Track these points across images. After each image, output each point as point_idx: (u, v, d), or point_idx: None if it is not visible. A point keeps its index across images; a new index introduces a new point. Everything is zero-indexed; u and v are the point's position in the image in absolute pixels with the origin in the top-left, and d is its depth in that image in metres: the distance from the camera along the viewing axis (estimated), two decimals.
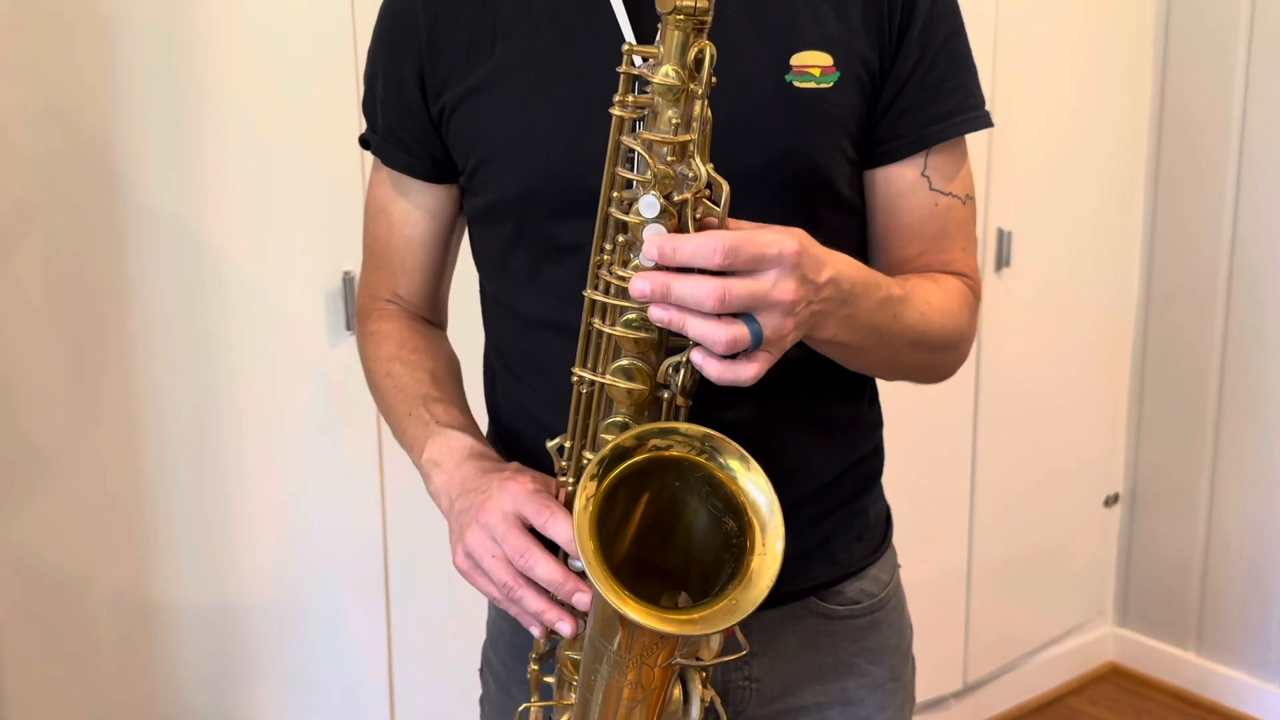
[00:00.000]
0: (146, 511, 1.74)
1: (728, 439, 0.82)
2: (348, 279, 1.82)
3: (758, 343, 0.81)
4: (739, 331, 0.80)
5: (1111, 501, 2.95)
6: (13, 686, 1.66)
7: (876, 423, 1.13)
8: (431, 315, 1.18)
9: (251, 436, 1.80)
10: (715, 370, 0.81)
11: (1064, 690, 2.91)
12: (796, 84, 0.95)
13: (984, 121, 1.04)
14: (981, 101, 1.04)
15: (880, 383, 1.12)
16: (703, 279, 0.79)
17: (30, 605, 1.66)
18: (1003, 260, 2.55)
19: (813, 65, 0.96)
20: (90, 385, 1.67)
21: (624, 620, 0.79)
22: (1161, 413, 2.88)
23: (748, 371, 0.81)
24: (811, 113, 0.96)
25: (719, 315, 0.80)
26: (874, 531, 1.11)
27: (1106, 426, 2.92)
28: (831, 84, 0.96)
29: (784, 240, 0.81)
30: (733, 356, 0.82)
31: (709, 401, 0.90)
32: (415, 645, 1.99)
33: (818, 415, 1.04)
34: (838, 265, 0.86)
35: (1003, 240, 2.55)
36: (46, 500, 1.66)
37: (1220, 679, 2.83)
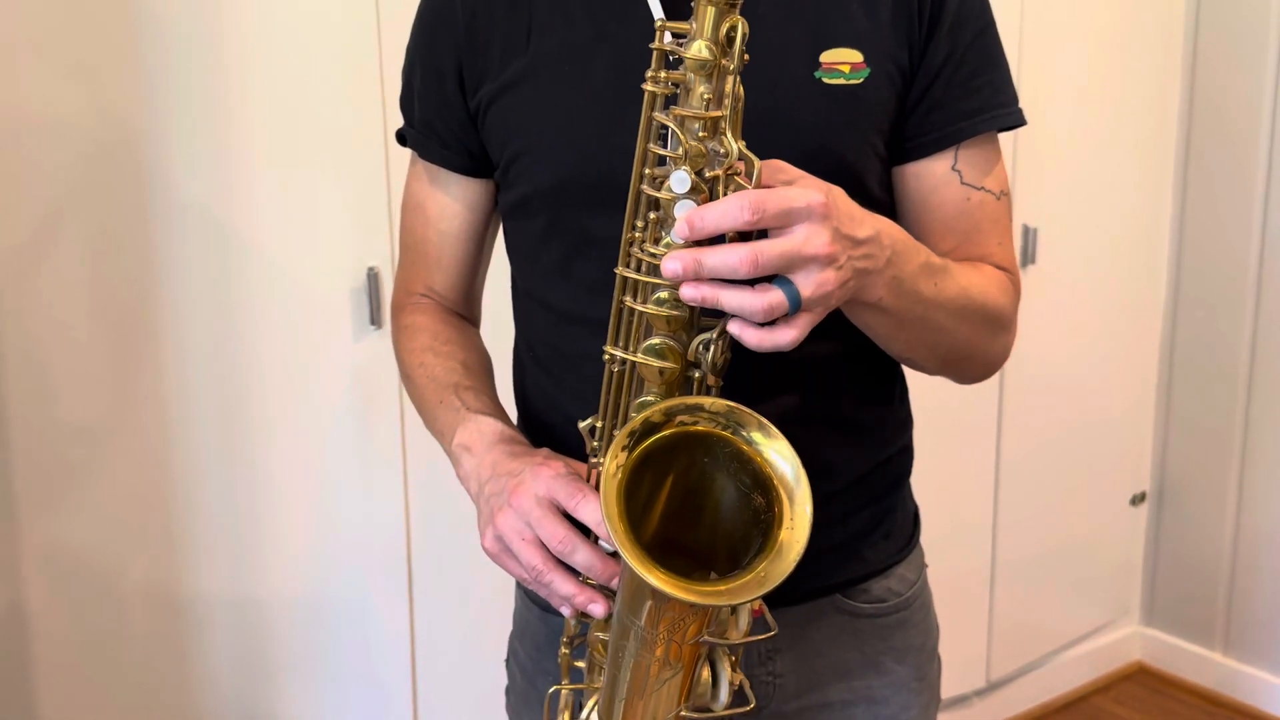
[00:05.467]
0: (176, 505, 1.75)
1: (748, 410, 0.82)
2: (372, 275, 1.83)
3: (796, 305, 0.80)
4: (775, 297, 0.79)
5: (1138, 500, 2.94)
6: (44, 678, 1.68)
7: (905, 422, 1.12)
8: (465, 310, 1.19)
9: (278, 431, 1.81)
10: (754, 338, 0.81)
11: (1089, 689, 2.90)
12: (826, 80, 0.96)
13: (1015, 119, 1.04)
14: (1013, 99, 1.04)
15: (908, 381, 1.12)
16: (733, 246, 0.79)
17: (61, 598, 1.68)
18: (1028, 257, 2.54)
19: (843, 62, 0.96)
20: (121, 381, 1.69)
21: (651, 591, 0.78)
22: (1189, 411, 2.86)
23: (786, 336, 0.81)
24: (841, 109, 0.96)
25: (753, 284, 0.79)
26: (901, 530, 1.11)
27: (1134, 424, 2.90)
28: (861, 80, 0.96)
29: (810, 193, 0.80)
30: (772, 323, 0.81)
31: (738, 395, 0.90)
32: (438, 637, 2.00)
33: (847, 413, 1.04)
34: (877, 223, 0.86)
35: (1029, 237, 2.54)
36: (78, 495, 1.67)
37: (1247, 679, 2.81)
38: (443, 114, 1.07)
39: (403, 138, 1.14)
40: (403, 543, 1.95)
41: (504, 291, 1.14)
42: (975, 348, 1.02)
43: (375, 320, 1.84)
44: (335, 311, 1.83)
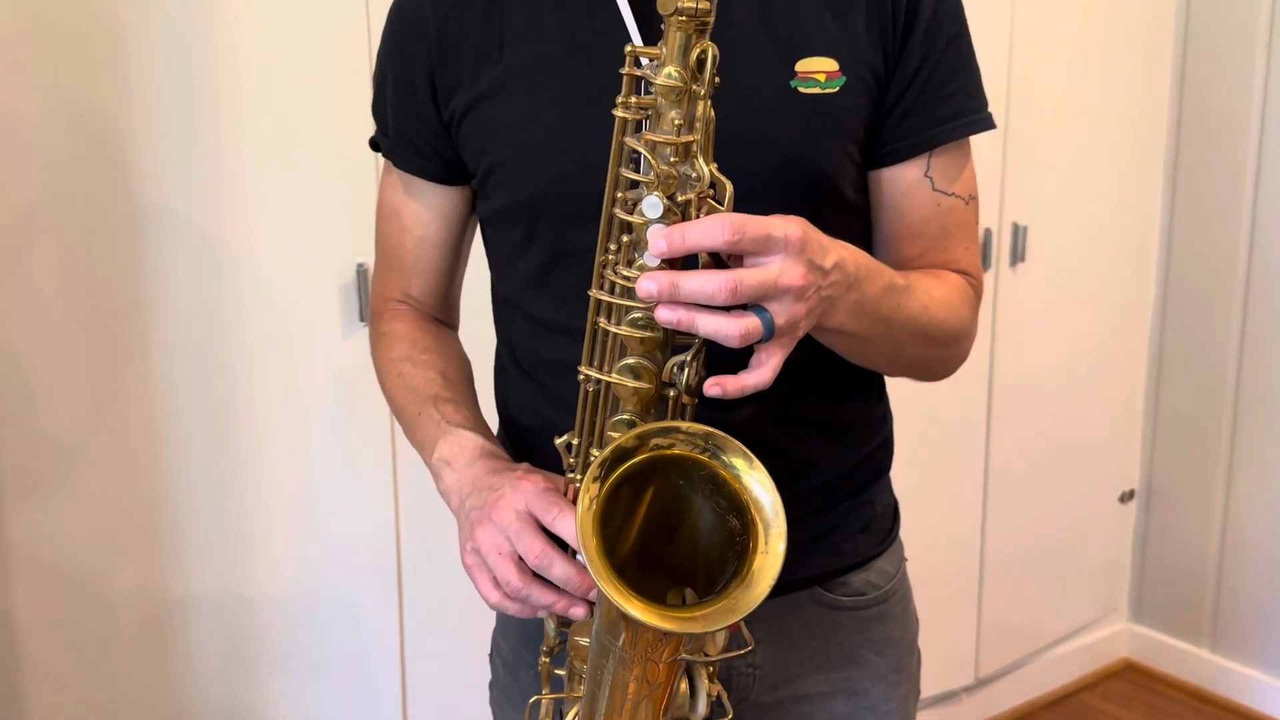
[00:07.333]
0: (163, 506, 1.75)
1: (730, 437, 0.82)
2: (361, 271, 1.83)
3: (770, 332, 0.80)
4: (751, 323, 0.79)
5: (1127, 498, 2.95)
6: (31, 680, 1.68)
7: (884, 418, 1.13)
8: (443, 315, 1.19)
9: (266, 429, 1.81)
10: (734, 386, 0.81)
11: (1077, 686, 2.91)
12: (802, 89, 0.96)
13: (986, 124, 1.05)
14: (984, 104, 1.05)
15: (893, 378, 1.12)
16: (711, 272, 0.79)
17: (49, 600, 1.68)
18: (1018, 255, 2.55)
19: (818, 71, 0.97)
20: (107, 381, 1.69)
21: (627, 618, 0.79)
22: (1177, 409, 2.87)
23: (763, 376, 0.81)
24: (817, 117, 0.97)
25: (728, 310, 0.79)
26: (880, 524, 1.12)
27: (1122, 422, 2.91)
28: (837, 89, 0.97)
29: (788, 225, 0.81)
30: (744, 359, 0.81)
31: (715, 402, 0.90)
32: (427, 636, 2.00)
33: (825, 413, 1.05)
34: (840, 251, 0.87)
35: (1018, 235, 2.54)
36: (65, 496, 1.67)
37: (1235, 676, 2.83)
38: (416, 124, 1.07)
39: (376, 145, 1.14)
40: (392, 540, 1.95)
41: (484, 293, 1.14)
42: (933, 357, 1.04)
43: (364, 317, 1.85)
44: (324, 308, 1.83)
